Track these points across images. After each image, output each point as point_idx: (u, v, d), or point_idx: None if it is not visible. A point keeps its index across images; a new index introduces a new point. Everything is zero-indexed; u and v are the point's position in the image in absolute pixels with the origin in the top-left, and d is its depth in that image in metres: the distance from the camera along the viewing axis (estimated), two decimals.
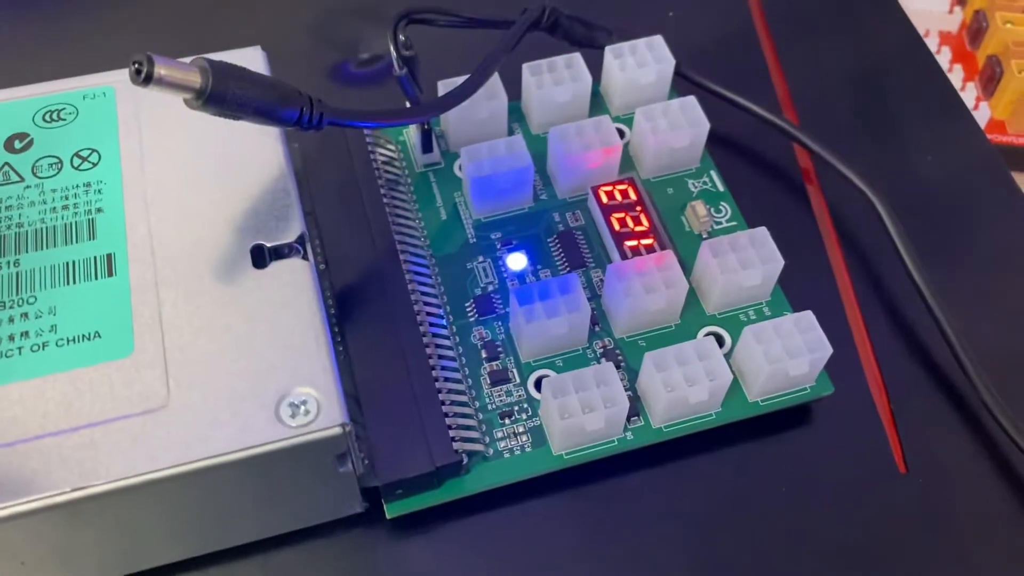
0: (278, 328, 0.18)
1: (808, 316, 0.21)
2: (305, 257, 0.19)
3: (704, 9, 0.31)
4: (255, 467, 0.17)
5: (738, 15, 0.31)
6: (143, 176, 0.20)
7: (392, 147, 0.26)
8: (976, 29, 0.33)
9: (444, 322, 0.22)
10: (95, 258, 0.19)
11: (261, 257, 0.19)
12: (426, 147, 0.25)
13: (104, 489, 0.16)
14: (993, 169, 0.27)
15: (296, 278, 0.19)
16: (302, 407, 0.17)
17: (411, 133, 0.26)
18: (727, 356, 0.22)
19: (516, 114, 0.27)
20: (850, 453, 0.22)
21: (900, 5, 0.32)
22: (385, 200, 0.24)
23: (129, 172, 0.20)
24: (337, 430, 0.17)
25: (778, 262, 0.22)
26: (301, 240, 0.20)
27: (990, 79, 0.32)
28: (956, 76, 0.32)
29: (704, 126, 0.25)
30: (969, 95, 0.32)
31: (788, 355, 0.21)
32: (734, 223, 0.24)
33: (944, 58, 0.33)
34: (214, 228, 0.19)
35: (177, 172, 0.20)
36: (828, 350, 0.21)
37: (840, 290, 0.25)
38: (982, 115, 0.31)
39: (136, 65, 0.16)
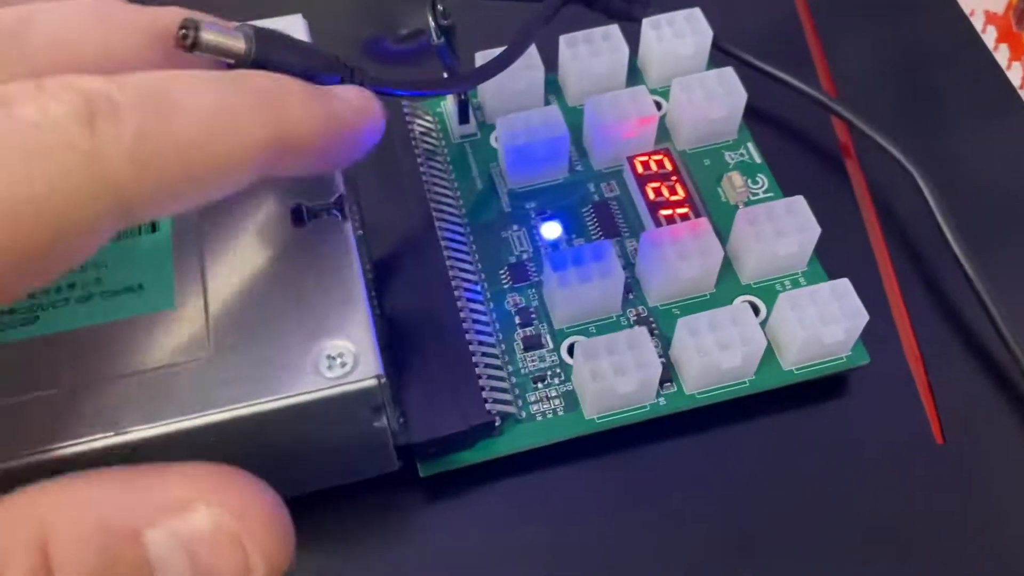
0: (316, 283, 0.18)
1: (844, 283, 0.21)
2: (344, 217, 0.20)
3: None
4: (292, 418, 0.17)
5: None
6: None
7: (429, 118, 0.26)
8: (1021, 11, 0.32)
9: (479, 288, 0.23)
10: None
11: (300, 216, 0.20)
12: (463, 118, 0.26)
13: (134, 438, 0.17)
14: None
15: (334, 236, 0.19)
16: (339, 359, 0.17)
17: (448, 104, 0.26)
18: (762, 325, 0.22)
19: (552, 87, 0.27)
20: (886, 424, 0.22)
21: None
22: (422, 170, 0.24)
23: None
24: (372, 382, 0.17)
25: (814, 230, 0.22)
26: (340, 201, 0.20)
27: None
28: (1001, 56, 0.32)
29: (741, 97, 0.24)
30: (1015, 74, 0.31)
31: (823, 322, 0.21)
32: (771, 194, 0.24)
33: (989, 38, 0.32)
34: (255, 185, 0.20)
35: None
36: (864, 317, 0.21)
37: (877, 262, 0.24)
38: None
39: (183, 31, 0.16)
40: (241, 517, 0.13)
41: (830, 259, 0.23)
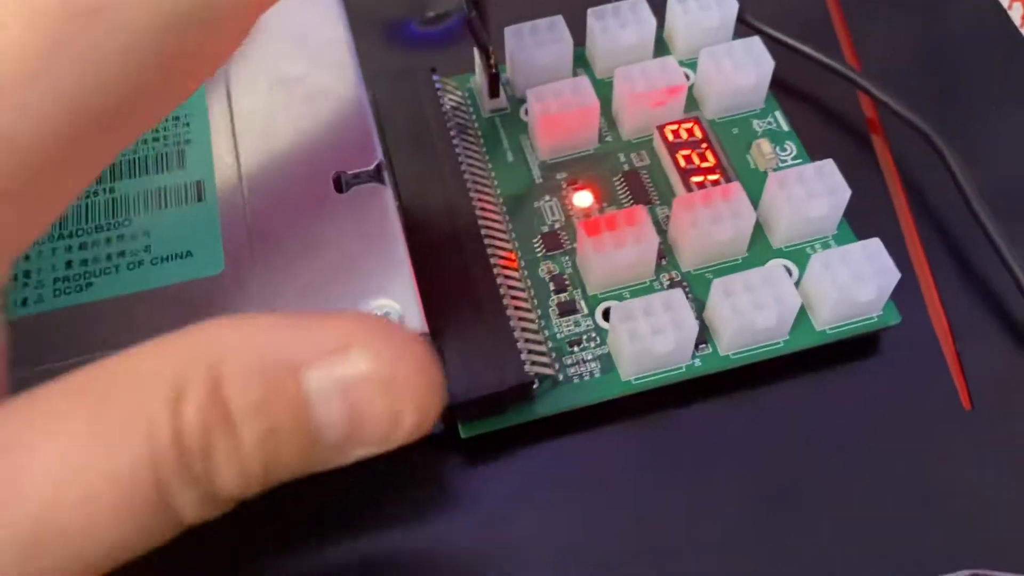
0: (359, 246, 0.19)
1: (876, 243, 0.21)
2: (383, 182, 0.20)
3: None
4: None
5: None
6: (228, 109, 0.21)
7: (460, 94, 0.26)
8: None
9: (512, 255, 0.23)
10: (185, 184, 0.20)
11: (340, 184, 0.20)
12: (493, 92, 0.26)
13: None
14: None
15: (375, 201, 0.20)
16: (385, 317, 0.18)
17: (477, 80, 0.26)
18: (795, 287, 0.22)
19: (580, 60, 0.27)
20: (916, 386, 0.22)
21: None
22: (455, 143, 0.24)
23: (216, 106, 0.21)
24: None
25: (845, 192, 0.22)
26: (379, 168, 0.20)
27: None
28: (1015, 13, 0.31)
29: (769, 65, 0.25)
30: None
31: (855, 280, 0.21)
32: (799, 160, 0.25)
33: (1015, 14, 0.32)
34: (296, 156, 0.20)
35: (260, 104, 0.21)
36: (896, 275, 0.21)
37: (903, 232, 0.25)
38: None
39: None
40: (394, 365, 0.13)
41: (858, 226, 0.23)
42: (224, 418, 0.12)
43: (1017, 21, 0.31)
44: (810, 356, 0.22)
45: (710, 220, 0.22)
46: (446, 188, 0.23)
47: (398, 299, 0.18)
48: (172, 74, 0.14)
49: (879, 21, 0.29)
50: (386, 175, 0.21)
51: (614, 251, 0.22)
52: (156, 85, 0.14)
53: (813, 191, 0.22)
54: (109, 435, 0.12)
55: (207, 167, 0.20)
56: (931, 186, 0.25)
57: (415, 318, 0.18)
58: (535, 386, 0.21)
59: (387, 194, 0.20)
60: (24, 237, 0.14)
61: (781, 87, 0.27)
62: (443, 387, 0.14)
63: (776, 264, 0.22)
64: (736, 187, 0.22)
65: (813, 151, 0.25)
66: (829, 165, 0.23)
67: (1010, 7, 0.32)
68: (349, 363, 0.13)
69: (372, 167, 0.21)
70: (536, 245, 0.24)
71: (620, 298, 0.23)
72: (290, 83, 0.22)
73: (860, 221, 0.23)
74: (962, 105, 0.27)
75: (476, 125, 0.26)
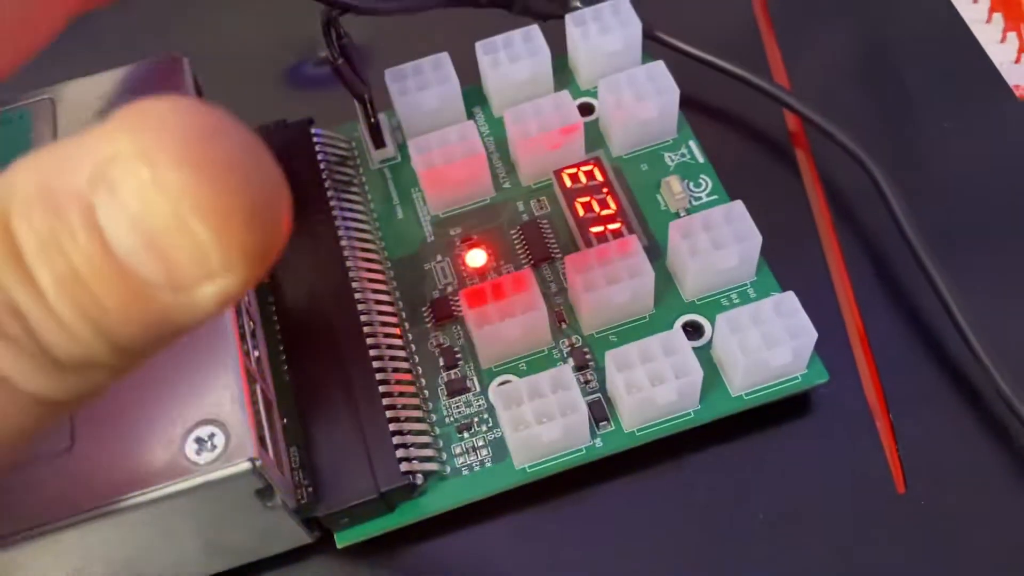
0: (184, 360, 0.17)
1: (789, 298, 0.19)
2: None
3: None
4: (168, 507, 0.16)
5: None
6: None
7: (345, 145, 0.24)
8: None
9: (396, 331, 0.21)
10: None
11: None
12: (377, 142, 0.24)
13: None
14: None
15: None
16: (209, 442, 0.16)
17: (364, 129, 0.24)
18: (708, 346, 0.20)
19: (477, 97, 0.25)
20: (846, 457, 0.20)
21: None
22: (334, 203, 0.22)
23: None
24: (246, 465, 0.16)
25: (755, 239, 0.20)
26: None
27: None
28: (996, 27, 0.28)
29: (674, 93, 0.22)
30: (1011, 46, 0.28)
31: (767, 344, 0.18)
32: (715, 197, 0.22)
33: (982, 7, 0.28)
34: None
35: None
36: (812, 335, 0.18)
37: (832, 271, 0.22)
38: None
39: None
40: (187, 167, 0.10)
41: (782, 265, 0.21)
42: (19, 263, 0.10)
43: (983, 15, 0.28)
44: (731, 420, 0.20)
45: (606, 281, 0.20)
46: (319, 261, 0.21)
47: (226, 420, 0.16)
48: None
49: (813, 34, 0.27)
50: None
51: (500, 324, 0.19)
52: None
53: (720, 240, 0.20)
54: None
55: None
56: (865, 218, 0.23)
57: (243, 441, 0.16)
58: (419, 484, 0.19)
59: None
60: None
61: (699, 106, 0.25)
62: (275, 183, 0.11)
63: (678, 329, 0.20)
64: (633, 242, 0.20)
65: (733, 182, 0.22)
66: (738, 208, 0.20)
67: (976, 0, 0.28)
68: (123, 174, 0.10)
69: None
70: (425, 314, 0.21)
71: (516, 370, 0.20)
72: None
73: (784, 261, 0.21)
74: (901, 127, 0.24)
75: (363, 179, 0.24)
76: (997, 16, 0.28)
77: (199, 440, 0.16)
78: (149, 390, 0.16)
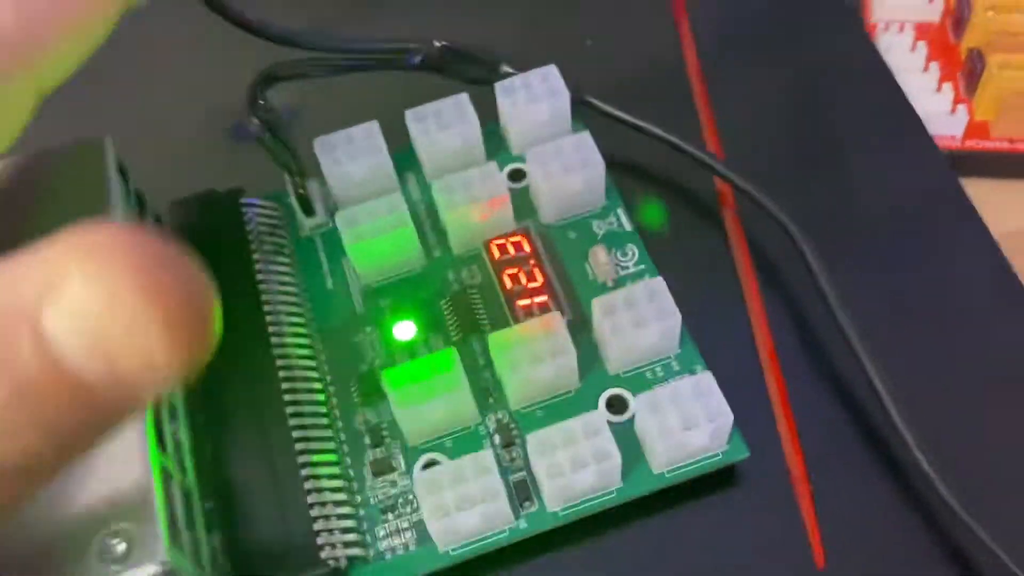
0: (94, 464, 0.16)
1: (707, 379, 0.19)
2: None
3: (628, 35, 0.29)
4: None
5: (665, 39, 0.28)
6: None
7: (276, 213, 0.24)
8: (959, 18, 0.29)
9: (323, 409, 0.21)
10: None
11: None
12: (307, 210, 0.24)
13: None
14: (944, 189, 0.24)
15: None
16: (117, 546, 0.16)
17: (294, 198, 0.24)
18: (632, 420, 0.20)
19: (410, 162, 0.25)
20: (767, 532, 0.20)
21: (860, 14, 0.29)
22: (261, 275, 0.22)
23: None
24: (156, 568, 0.15)
25: (676, 317, 0.20)
26: None
27: (971, 76, 0.28)
28: (932, 76, 0.28)
29: (599, 166, 0.22)
30: (946, 96, 0.28)
31: (683, 426, 0.19)
32: (642, 266, 0.22)
33: (919, 55, 0.29)
34: None
35: None
36: (729, 417, 0.19)
37: (757, 342, 0.22)
38: (960, 119, 0.27)
39: None
40: (118, 285, 0.11)
41: (707, 333, 0.21)
42: None
43: (920, 64, 0.28)
44: (654, 495, 0.20)
45: (529, 359, 0.20)
46: (241, 336, 0.21)
47: (134, 520, 0.16)
48: None
49: (746, 94, 0.27)
50: None
51: (422, 405, 0.19)
52: None
53: (641, 318, 0.20)
54: None
55: None
56: (790, 282, 0.23)
57: (151, 543, 0.16)
58: (342, 568, 0.19)
59: None
60: None
61: (629, 171, 0.25)
62: (205, 289, 0.12)
63: (602, 407, 0.20)
64: (555, 319, 0.20)
65: (661, 247, 0.23)
66: (658, 285, 0.20)
67: (913, 49, 0.29)
68: (74, 293, 0.11)
69: None
70: (353, 390, 0.21)
71: (442, 447, 0.20)
72: None
73: (709, 328, 0.21)
74: (830, 186, 0.25)
75: (293, 248, 0.24)
76: (934, 65, 0.28)
77: (109, 547, 0.16)
78: (58, 497, 0.16)
